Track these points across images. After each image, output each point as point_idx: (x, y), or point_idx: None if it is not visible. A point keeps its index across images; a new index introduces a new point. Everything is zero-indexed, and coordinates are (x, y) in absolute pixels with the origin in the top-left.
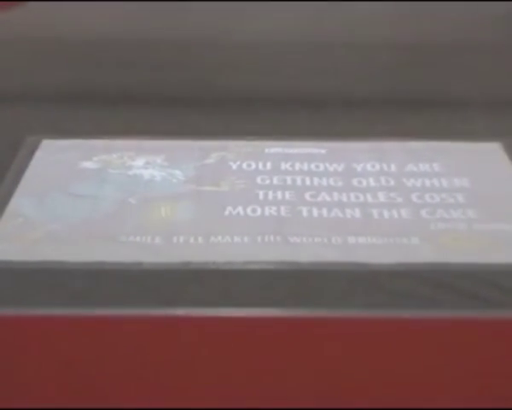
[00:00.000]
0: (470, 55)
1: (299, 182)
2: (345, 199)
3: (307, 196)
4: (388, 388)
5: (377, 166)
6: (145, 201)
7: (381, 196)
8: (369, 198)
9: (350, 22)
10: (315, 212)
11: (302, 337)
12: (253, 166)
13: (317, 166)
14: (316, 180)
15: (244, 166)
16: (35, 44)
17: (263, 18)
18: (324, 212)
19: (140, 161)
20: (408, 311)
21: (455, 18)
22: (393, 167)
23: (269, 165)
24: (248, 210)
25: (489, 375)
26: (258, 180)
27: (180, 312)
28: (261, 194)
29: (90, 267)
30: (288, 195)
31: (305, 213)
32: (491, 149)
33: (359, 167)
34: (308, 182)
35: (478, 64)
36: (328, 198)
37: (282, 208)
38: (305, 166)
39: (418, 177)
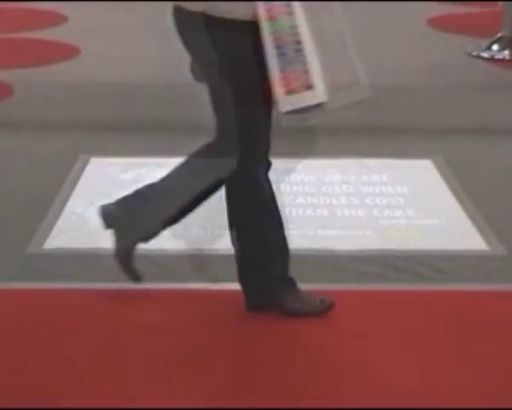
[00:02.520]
0: (408, 94)
1: (282, 189)
2: (316, 201)
3: (288, 199)
4: (350, 345)
5: (340, 177)
6: None
7: (343, 200)
8: (334, 201)
9: None
10: (293, 211)
11: None
12: None
13: (295, 177)
14: (294, 188)
15: None
16: (86, 87)
17: None
18: (300, 211)
19: (163, 174)
20: (364, 286)
21: (396, 65)
22: (352, 178)
23: None
24: None
25: (426, 335)
26: None
27: (192, 286)
28: None
29: None
30: None
31: (286, 212)
32: (424, 165)
33: (326, 178)
34: (288, 189)
35: (414, 101)
36: (303, 201)
37: None
38: (286, 177)
39: (370, 185)
